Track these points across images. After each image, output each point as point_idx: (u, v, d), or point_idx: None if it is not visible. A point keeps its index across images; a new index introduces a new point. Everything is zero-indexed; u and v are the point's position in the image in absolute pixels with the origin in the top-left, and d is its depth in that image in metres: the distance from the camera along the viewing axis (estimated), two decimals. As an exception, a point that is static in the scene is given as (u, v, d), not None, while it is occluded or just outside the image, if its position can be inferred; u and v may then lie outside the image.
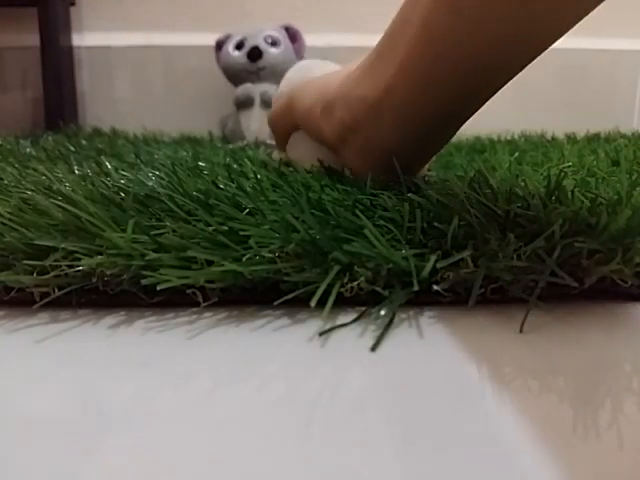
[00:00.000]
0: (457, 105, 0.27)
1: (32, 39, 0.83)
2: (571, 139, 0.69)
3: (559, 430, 0.15)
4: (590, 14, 0.23)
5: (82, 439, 0.14)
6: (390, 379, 0.17)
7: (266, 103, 0.70)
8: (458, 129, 0.30)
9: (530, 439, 0.14)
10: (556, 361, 0.18)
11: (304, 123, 0.35)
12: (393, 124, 0.28)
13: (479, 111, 0.28)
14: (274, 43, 0.72)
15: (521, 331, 0.20)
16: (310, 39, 0.82)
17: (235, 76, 0.72)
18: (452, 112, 0.28)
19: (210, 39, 0.81)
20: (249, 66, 0.70)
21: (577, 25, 0.24)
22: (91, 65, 0.91)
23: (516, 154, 0.47)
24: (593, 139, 0.68)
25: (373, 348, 0.19)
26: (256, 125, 0.70)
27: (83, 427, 0.15)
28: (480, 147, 0.56)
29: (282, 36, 0.73)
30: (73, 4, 0.89)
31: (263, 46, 0.71)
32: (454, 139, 0.66)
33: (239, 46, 0.72)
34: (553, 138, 0.69)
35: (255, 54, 0.70)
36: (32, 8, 0.82)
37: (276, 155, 0.44)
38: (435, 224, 0.23)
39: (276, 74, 0.71)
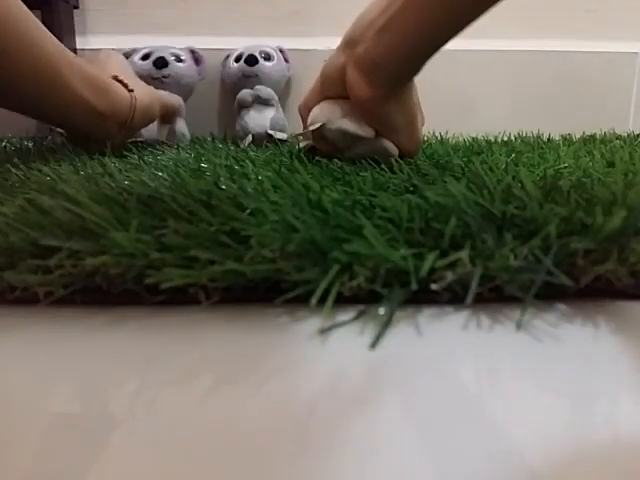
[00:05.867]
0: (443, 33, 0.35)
1: (35, 42, 0.84)
2: (567, 140, 0.69)
3: (556, 427, 0.15)
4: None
5: (85, 436, 0.15)
6: (389, 376, 0.17)
7: (264, 100, 0.75)
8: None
9: (527, 436, 0.15)
10: (552, 359, 0.18)
11: (328, 76, 0.42)
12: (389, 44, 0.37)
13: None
14: (267, 57, 0.79)
15: (518, 329, 0.20)
16: (311, 42, 0.83)
17: (234, 85, 0.79)
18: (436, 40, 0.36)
19: (212, 42, 0.82)
20: (247, 71, 0.77)
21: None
22: (94, 68, 0.91)
23: (513, 155, 0.47)
24: (589, 140, 0.68)
25: (372, 346, 0.19)
26: (256, 122, 0.74)
27: (86, 424, 0.15)
28: (477, 148, 0.56)
29: (275, 52, 0.80)
30: (77, 7, 0.89)
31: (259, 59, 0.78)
32: (452, 141, 0.67)
33: (237, 60, 0.79)
34: (549, 139, 0.70)
35: (251, 62, 0.76)
36: (36, 11, 0.82)
37: (302, 141, 0.49)
38: (433, 224, 0.23)
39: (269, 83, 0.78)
